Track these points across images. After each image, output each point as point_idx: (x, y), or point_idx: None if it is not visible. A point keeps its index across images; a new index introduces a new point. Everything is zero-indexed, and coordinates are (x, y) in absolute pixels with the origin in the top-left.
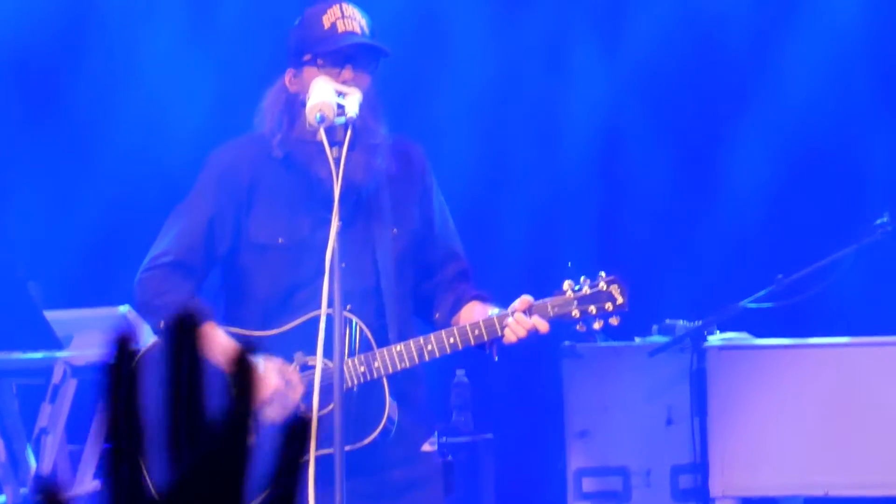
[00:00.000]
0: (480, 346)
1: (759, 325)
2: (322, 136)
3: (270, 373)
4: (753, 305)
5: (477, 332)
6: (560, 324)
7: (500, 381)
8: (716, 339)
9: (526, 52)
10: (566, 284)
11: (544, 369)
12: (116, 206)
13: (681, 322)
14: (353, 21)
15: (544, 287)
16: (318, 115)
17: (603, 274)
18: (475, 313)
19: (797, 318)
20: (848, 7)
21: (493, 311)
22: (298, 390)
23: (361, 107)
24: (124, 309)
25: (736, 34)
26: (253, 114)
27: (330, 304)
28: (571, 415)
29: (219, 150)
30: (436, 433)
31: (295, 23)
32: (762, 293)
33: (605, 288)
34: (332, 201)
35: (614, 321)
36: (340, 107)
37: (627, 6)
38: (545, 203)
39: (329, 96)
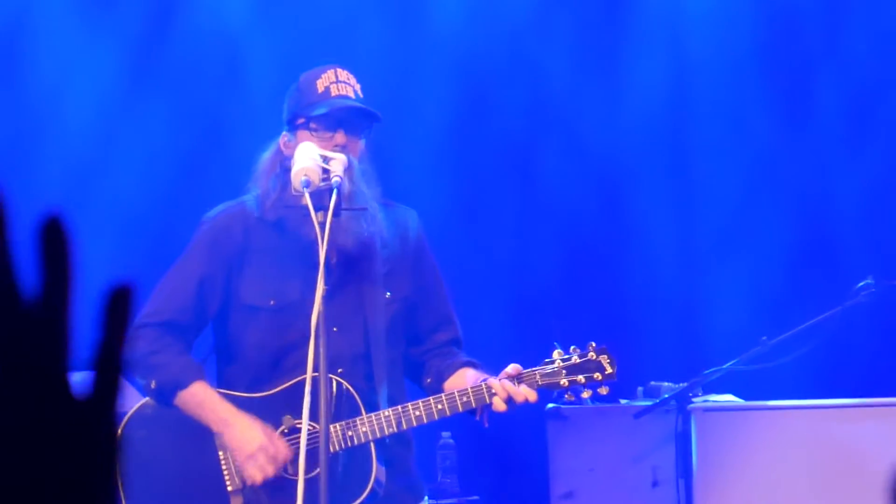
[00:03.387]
0: (470, 413)
1: (745, 387)
2: (307, 200)
3: (255, 430)
4: (739, 368)
5: (465, 398)
6: (549, 392)
7: (485, 443)
8: (701, 400)
9: (510, 102)
10: (555, 353)
11: (529, 431)
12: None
13: (666, 384)
14: (346, 86)
15: (534, 355)
16: (303, 180)
17: (593, 344)
18: (466, 379)
19: (782, 380)
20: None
21: (483, 378)
22: (282, 451)
23: (350, 171)
24: None
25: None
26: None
27: (316, 368)
28: (557, 476)
29: (213, 212)
30: (426, 497)
31: (291, 86)
32: (747, 355)
33: (594, 357)
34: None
35: (603, 391)
36: (326, 171)
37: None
38: (532, 268)
39: (313, 161)
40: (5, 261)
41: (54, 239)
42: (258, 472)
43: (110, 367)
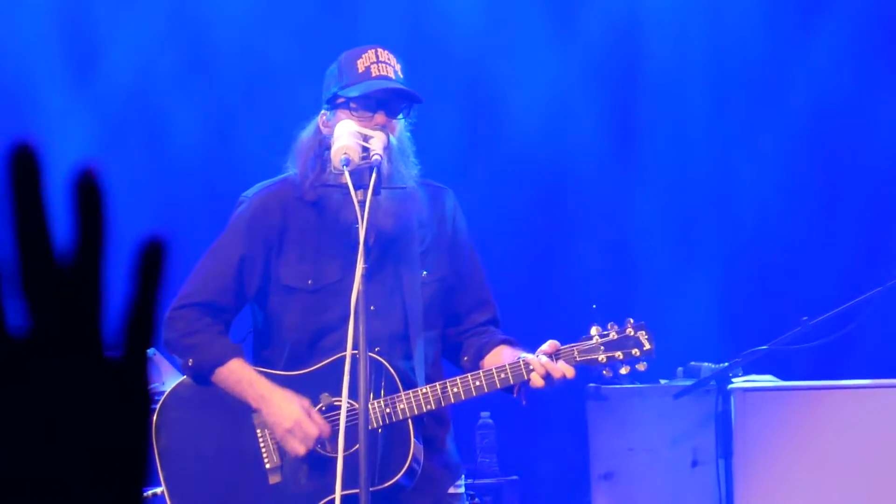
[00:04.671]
0: (507, 390)
1: (785, 367)
2: (347, 178)
3: (293, 405)
4: (779, 348)
5: (503, 375)
6: (586, 369)
7: (524, 423)
8: (741, 381)
9: (540, 86)
10: (593, 330)
11: (569, 411)
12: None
13: (706, 364)
14: (387, 66)
15: (572, 332)
16: (342, 158)
17: (631, 320)
18: (503, 357)
19: (823, 360)
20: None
21: (521, 355)
22: (320, 426)
23: (389, 150)
24: (150, 352)
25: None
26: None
27: (356, 347)
28: (596, 457)
29: (251, 191)
30: (463, 476)
31: (331, 66)
32: (788, 335)
33: (632, 333)
34: (359, 244)
35: (641, 367)
36: (366, 150)
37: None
38: (571, 246)
39: (353, 139)
40: (41, 215)
41: (88, 192)
42: (298, 445)
43: (143, 323)
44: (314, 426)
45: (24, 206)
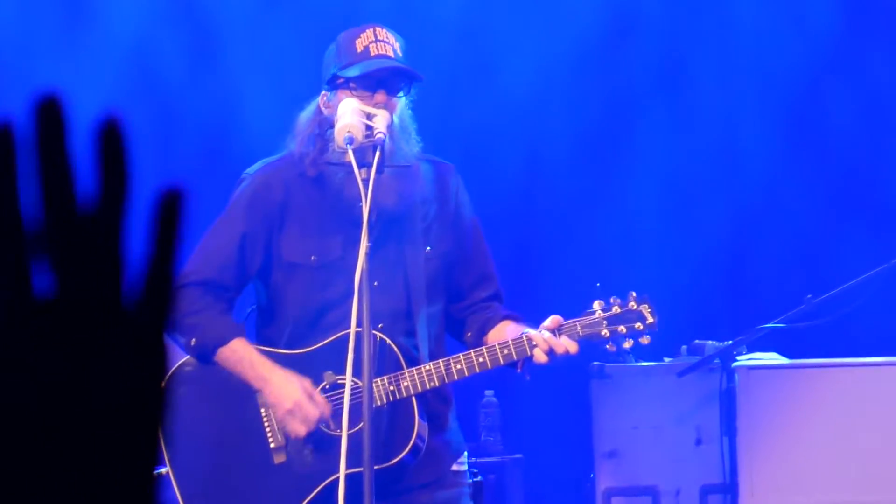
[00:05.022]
0: (511, 366)
1: (789, 345)
2: (351, 157)
3: (293, 385)
4: (783, 326)
5: (506, 351)
6: (590, 343)
7: (528, 401)
8: (745, 359)
9: (562, 62)
10: (596, 304)
11: (573, 389)
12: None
13: (710, 342)
14: (386, 45)
15: (574, 307)
16: (346, 137)
17: (633, 294)
18: (506, 333)
19: (827, 338)
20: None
21: (524, 330)
22: (321, 406)
23: (391, 128)
24: None
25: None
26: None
27: (359, 324)
28: (600, 435)
29: (253, 168)
30: (465, 453)
31: (330, 46)
32: (792, 313)
33: (635, 307)
34: (362, 222)
35: (644, 340)
36: (369, 128)
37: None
38: (574, 222)
39: (357, 117)
40: (65, 167)
41: (111, 143)
42: (299, 426)
43: (162, 275)
44: (315, 407)
45: (49, 160)
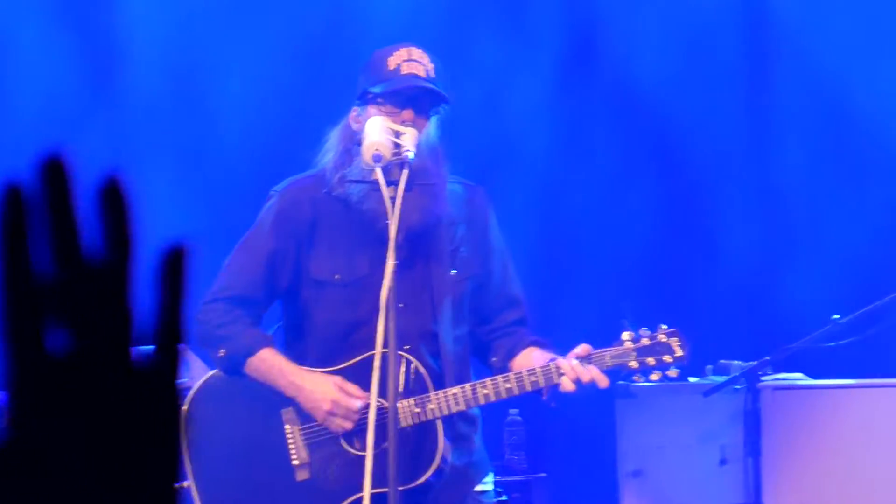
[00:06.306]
0: (536, 392)
1: (815, 365)
2: (378, 174)
3: (326, 385)
4: (809, 346)
5: (534, 378)
6: (618, 374)
7: (553, 420)
8: (770, 379)
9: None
10: (625, 335)
11: (598, 408)
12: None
13: (735, 362)
14: (418, 65)
15: (600, 329)
16: (374, 154)
17: (664, 326)
18: (533, 359)
19: (853, 358)
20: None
21: (552, 358)
22: (358, 396)
23: (419, 147)
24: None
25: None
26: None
27: (385, 344)
28: (625, 454)
29: (281, 185)
30: (491, 473)
31: (365, 62)
32: (818, 333)
33: (664, 340)
34: (389, 240)
35: (672, 373)
36: (397, 146)
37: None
38: (598, 242)
39: (385, 135)
40: (70, 223)
41: (115, 200)
42: (343, 422)
43: (169, 331)
44: (352, 399)
45: (56, 218)
